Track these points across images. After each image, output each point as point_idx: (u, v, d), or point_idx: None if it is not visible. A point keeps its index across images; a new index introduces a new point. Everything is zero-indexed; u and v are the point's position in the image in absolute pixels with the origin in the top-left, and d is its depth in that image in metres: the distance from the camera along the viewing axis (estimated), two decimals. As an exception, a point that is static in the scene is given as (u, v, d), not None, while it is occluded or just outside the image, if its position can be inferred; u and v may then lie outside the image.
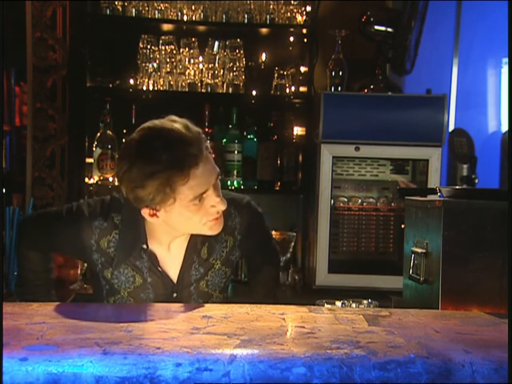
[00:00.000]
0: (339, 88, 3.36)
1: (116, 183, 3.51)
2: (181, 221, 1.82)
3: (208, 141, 1.88)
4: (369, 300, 1.92)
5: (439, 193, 1.91)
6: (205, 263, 1.98)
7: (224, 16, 3.55)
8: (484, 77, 3.91)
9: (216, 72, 3.55)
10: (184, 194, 1.75)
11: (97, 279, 2.01)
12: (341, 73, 3.37)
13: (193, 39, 3.57)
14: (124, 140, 3.53)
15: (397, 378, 1.17)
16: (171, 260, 1.96)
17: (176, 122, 1.78)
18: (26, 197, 3.53)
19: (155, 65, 3.53)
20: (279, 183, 3.63)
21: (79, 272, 3.16)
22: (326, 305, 1.83)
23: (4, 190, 3.32)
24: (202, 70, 3.57)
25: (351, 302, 1.89)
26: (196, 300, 1.99)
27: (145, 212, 1.80)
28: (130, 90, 3.56)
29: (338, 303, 1.88)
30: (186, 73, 3.55)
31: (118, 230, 1.93)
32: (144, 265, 1.94)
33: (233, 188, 3.49)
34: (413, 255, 1.85)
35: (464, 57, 3.86)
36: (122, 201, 1.92)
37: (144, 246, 1.92)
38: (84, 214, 1.95)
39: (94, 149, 3.50)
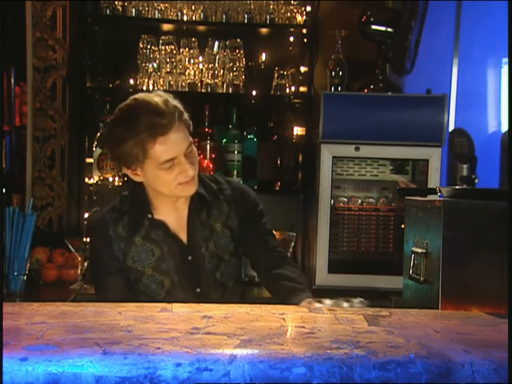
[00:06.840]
0: (339, 88, 3.36)
1: (116, 183, 3.52)
2: (155, 181, 2.09)
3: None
4: (361, 299, 1.89)
5: (439, 193, 1.91)
6: (207, 224, 2.18)
7: (224, 16, 3.54)
8: (484, 77, 3.90)
9: (216, 72, 3.55)
10: (155, 158, 2.02)
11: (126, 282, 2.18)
12: (341, 73, 3.37)
13: (193, 39, 3.56)
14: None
15: (397, 378, 1.17)
16: (178, 225, 2.17)
17: (157, 96, 2.04)
18: (26, 197, 3.53)
19: (155, 65, 3.53)
20: (279, 183, 3.63)
21: (79, 272, 3.16)
22: (316, 304, 1.82)
23: (3, 190, 3.32)
24: (202, 70, 3.57)
25: (342, 300, 1.86)
26: (210, 261, 2.16)
27: (128, 172, 2.10)
28: (130, 90, 3.55)
29: (328, 301, 1.85)
30: (186, 73, 3.55)
31: (127, 214, 2.18)
32: (157, 234, 2.16)
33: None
34: (413, 255, 1.85)
35: (464, 57, 3.85)
36: (127, 191, 2.24)
37: (150, 216, 2.15)
38: (102, 229, 2.19)
39: (94, 149, 3.50)
